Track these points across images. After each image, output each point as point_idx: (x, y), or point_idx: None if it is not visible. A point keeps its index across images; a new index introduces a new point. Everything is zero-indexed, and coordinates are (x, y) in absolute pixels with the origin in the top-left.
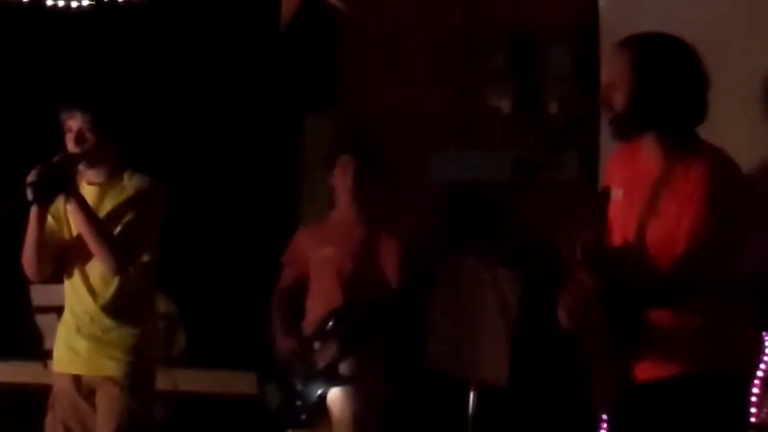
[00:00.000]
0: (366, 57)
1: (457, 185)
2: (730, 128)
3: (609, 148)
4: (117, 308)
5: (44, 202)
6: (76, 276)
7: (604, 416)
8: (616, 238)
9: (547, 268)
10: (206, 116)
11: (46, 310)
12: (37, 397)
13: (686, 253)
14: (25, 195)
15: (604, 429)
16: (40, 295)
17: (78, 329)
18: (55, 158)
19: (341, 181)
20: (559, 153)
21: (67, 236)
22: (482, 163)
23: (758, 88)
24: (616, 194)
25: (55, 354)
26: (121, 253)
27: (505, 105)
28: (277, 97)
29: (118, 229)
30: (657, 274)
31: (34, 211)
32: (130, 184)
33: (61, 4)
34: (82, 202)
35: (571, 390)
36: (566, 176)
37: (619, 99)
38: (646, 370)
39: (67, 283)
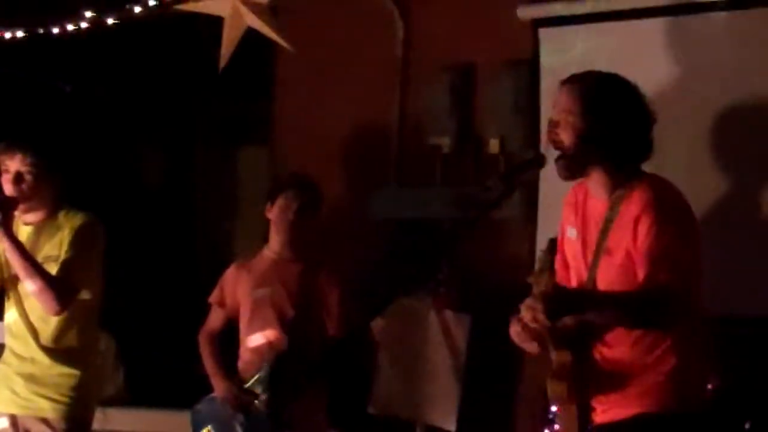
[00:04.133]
0: (304, 91)
1: (398, 223)
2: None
3: (549, 186)
4: (57, 348)
5: None
6: (17, 314)
7: None
8: (573, 278)
9: (494, 309)
10: (137, 148)
11: None
12: None
13: (645, 278)
14: None
15: None
16: None
17: (16, 369)
18: None
19: (282, 216)
20: (511, 192)
21: (6, 275)
22: (422, 201)
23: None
24: (571, 233)
25: None
26: (59, 293)
27: (444, 142)
28: (211, 131)
29: (55, 268)
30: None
31: None
32: (66, 221)
33: None
34: (15, 242)
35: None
36: (506, 215)
37: (566, 137)
38: (604, 412)
39: (6, 322)
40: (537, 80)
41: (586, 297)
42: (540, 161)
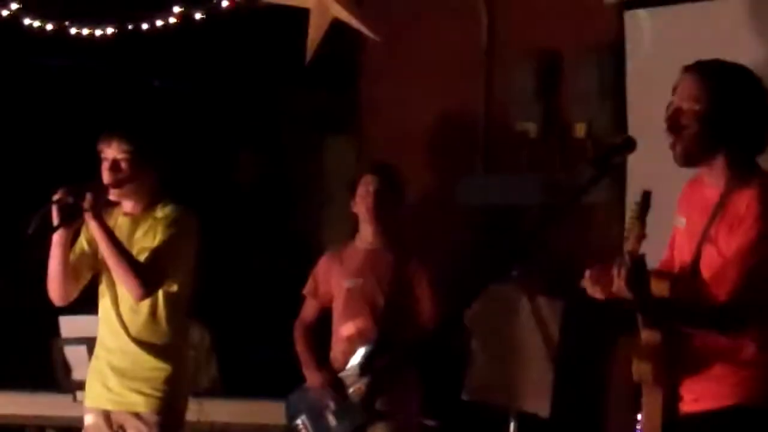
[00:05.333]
0: (390, 79)
1: (486, 210)
2: None
3: (637, 171)
4: (147, 340)
5: (67, 222)
6: (107, 307)
7: None
8: (676, 264)
9: (584, 295)
10: (230, 143)
11: (75, 341)
12: (65, 430)
13: (733, 278)
14: (49, 213)
15: None
16: (69, 326)
17: (109, 363)
18: (82, 183)
19: (363, 203)
20: (600, 177)
21: (100, 264)
22: (509, 187)
23: None
24: (680, 222)
25: (87, 388)
26: (144, 278)
27: (531, 128)
28: (300, 122)
29: (144, 255)
30: (705, 298)
31: (58, 232)
32: (161, 213)
33: (85, 32)
34: (104, 227)
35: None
36: (595, 200)
37: (688, 123)
38: (695, 401)
39: (100, 314)
40: (623, 64)
41: (657, 301)
42: (630, 145)
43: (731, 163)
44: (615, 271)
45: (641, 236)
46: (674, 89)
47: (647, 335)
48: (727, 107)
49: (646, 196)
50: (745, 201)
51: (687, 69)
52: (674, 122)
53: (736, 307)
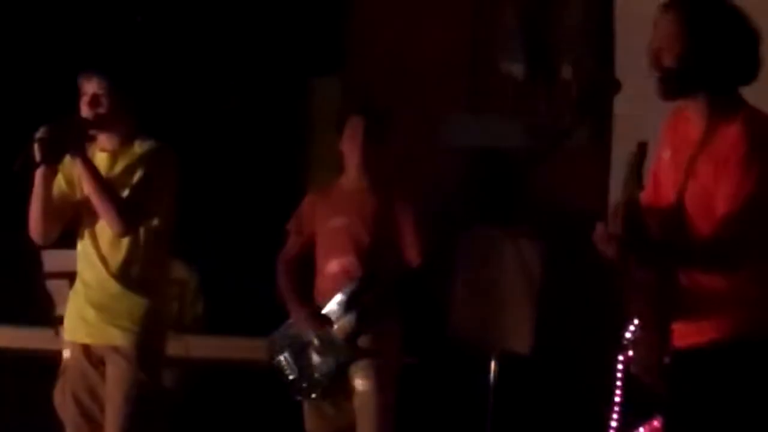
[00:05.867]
0: (375, 18)
1: (472, 152)
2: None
3: (623, 114)
4: (127, 275)
5: (50, 160)
6: (87, 242)
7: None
8: (663, 198)
9: (566, 236)
10: (213, 79)
11: (57, 275)
12: (47, 364)
13: (724, 217)
14: (32, 152)
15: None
16: (51, 260)
17: (88, 297)
18: (64, 119)
19: (351, 142)
20: (585, 119)
21: (79, 199)
22: (493, 129)
23: None
24: (665, 154)
25: (65, 322)
26: (127, 215)
27: (517, 69)
28: (284, 60)
29: (125, 191)
30: (694, 235)
31: (40, 170)
32: (140, 149)
33: None
34: (87, 164)
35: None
36: (578, 143)
37: (667, 60)
38: (683, 337)
39: (78, 249)
40: (610, 4)
41: (651, 245)
42: (615, 86)
43: (713, 99)
44: (610, 218)
45: (639, 187)
46: (654, 26)
47: (641, 275)
48: (707, 46)
49: (642, 148)
50: (729, 137)
51: (665, 6)
52: (656, 62)
53: (728, 245)
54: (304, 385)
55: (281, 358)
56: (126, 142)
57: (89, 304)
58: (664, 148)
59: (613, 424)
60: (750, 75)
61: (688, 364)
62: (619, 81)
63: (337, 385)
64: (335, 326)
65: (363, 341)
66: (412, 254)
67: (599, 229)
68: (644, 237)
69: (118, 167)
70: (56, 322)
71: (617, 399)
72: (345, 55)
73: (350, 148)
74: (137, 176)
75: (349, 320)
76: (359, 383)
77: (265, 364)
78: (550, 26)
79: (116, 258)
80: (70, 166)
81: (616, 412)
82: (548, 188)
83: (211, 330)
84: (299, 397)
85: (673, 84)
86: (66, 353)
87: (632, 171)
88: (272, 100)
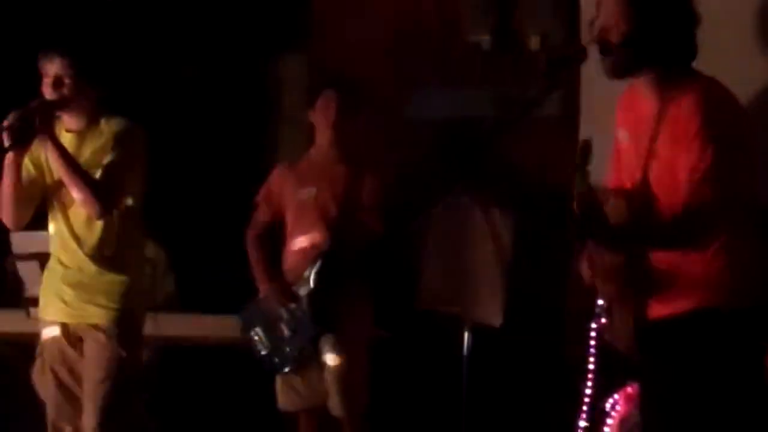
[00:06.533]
0: None
1: (440, 124)
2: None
3: (589, 84)
4: (102, 255)
5: (19, 147)
6: (61, 223)
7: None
8: (626, 181)
9: (536, 206)
10: (177, 58)
11: (26, 257)
12: (18, 346)
13: (687, 191)
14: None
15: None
16: (20, 242)
17: (64, 277)
18: (31, 103)
19: (323, 116)
20: (552, 89)
21: (49, 183)
22: (461, 100)
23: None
24: (623, 136)
25: (41, 302)
26: (102, 196)
27: (484, 40)
28: (249, 38)
29: (98, 173)
30: (661, 215)
31: (9, 157)
32: (107, 128)
33: None
34: (59, 146)
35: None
36: (546, 113)
37: (614, 37)
38: (655, 307)
39: (51, 230)
40: None
41: (613, 230)
42: (581, 55)
43: (663, 74)
44: (569, 220)
45: (585, 183)
46: (598, 4)
47: (610, 257)
48: (644, 20)
49: (586, 145)
50: (684, 109)
51: None
52: (602, 42)
53: (693, 219)
54: (275, 359)
55: (253, 333)
56: (92, 121)
57: (66, 284)
58: (620, 129)
59: (587, 391)
60: (692, 53)
61: (660, 334)
62: (585, 49)
63: (309, 360)
64: (304, 301)
65: (333, 315)
66: (377, 225)
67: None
68: (605, 227)
69: (87, 147)
70: (26, 304)
71: (591, 367)
72: (310, 30)
73: (322, 121)
74: (109, 156)
75: (315, 292)
76: (330, 358)
77: (236, 342)
78: None
79: (91, 238)
80: (38, 150)
81: (589, 379)
82: (518, 159)
83: (183, 308)
84: (271, 372)
85: (621, 62)
86: (45, 333)
87: (578, 169)
88: (238, 78)
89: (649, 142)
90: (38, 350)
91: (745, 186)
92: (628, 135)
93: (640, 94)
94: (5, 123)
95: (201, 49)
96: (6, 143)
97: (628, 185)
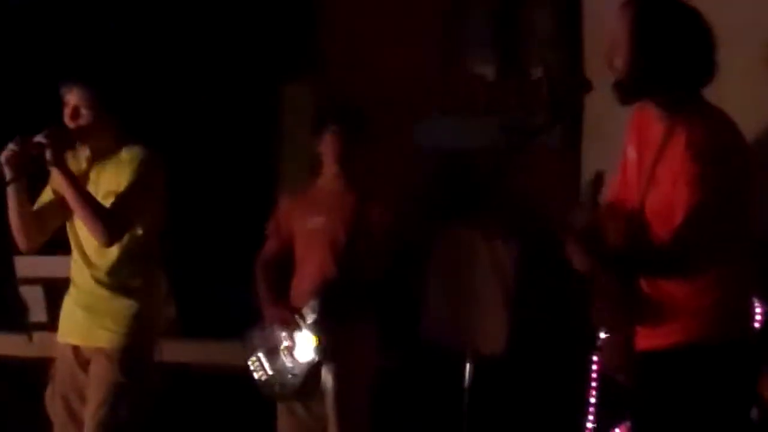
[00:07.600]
0: (348, 22)
1: (444, 153)
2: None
3: (593, 114)
4: (113, 280)
5: (20, 175)
6: (77, 247)
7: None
8: (629, 199)
9: (539, 238)
10: (185, 86)
11: (30, 281)
12: (21, 370)
13: (680, 224)
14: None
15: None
16: (24, 266)
17: (77, 300)
18: (38, 135)
19: (329, 150)
20: (558, 119)
21: (67, 208)
22: (465, 130)
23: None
24: (631, 155)
25: (59, 324)
26: (110, 225)
27: (488, 70)
28: (256, 67)
29: (111, 201)
30: (654, 242)
31: (11, 187)
32: (127, 157)
33: None
34: (68, 176)
35: (569, 359)
36: (549, 145)
37: (618, 62)
38: (647, 339)
39: (72, 253)
40: (579, 5)
41: (609, 256)
42: (586, 86)
43: (670, 100)
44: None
45: (594, 215)
46: (607, 31)
47: (605, 282)
48: (655, 50)
49: (599, 177)
50: (683, 140)
51: (618, 11)
52: (608, 61)
53: (684, 252)
54: (276, 385)
55: (255, 358)
56: (112, 149)
57: (78, 306)
58: (629, 145)
59: (589, 425)
60: (703, 78)
61: (651, 366)
62: (590, 81)
63: (310, 387)
64: (308, 328)
65: (336, 343)
66: (384, 255)
67: (569, 244)
68: (603, 250)
69: (106, 176)
70: (30, 328)
71: (592, 400)
72: (316, 60)
73: (328, 150)
74: (124, 184)
75: (320, 321)
76: (332, 386)
77: (238, 368)
78: (520, 27)
79: (103, 263)
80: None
81: (591, 412)
82: (521, 189)
83: (185, 334)
84: (272, 398)
85: (625, 89)
86: (58, 356)
87: (590, 199)
88: (245, 107)
89: (651, 166)
90: (51, 372)
91: (736, 223)
92: (635, 155)
93: (650, 116)
94: (4, 155)
95: (208, 81)
96: (7, 175)
97: (629, 206)
